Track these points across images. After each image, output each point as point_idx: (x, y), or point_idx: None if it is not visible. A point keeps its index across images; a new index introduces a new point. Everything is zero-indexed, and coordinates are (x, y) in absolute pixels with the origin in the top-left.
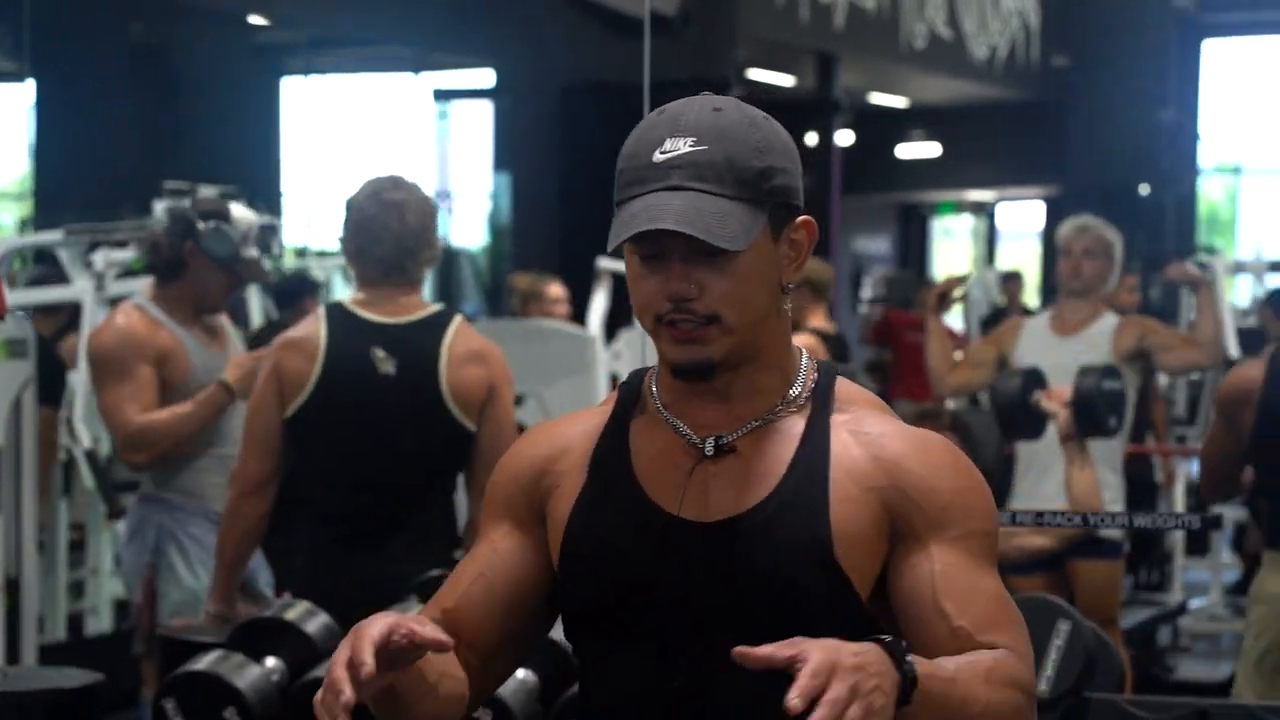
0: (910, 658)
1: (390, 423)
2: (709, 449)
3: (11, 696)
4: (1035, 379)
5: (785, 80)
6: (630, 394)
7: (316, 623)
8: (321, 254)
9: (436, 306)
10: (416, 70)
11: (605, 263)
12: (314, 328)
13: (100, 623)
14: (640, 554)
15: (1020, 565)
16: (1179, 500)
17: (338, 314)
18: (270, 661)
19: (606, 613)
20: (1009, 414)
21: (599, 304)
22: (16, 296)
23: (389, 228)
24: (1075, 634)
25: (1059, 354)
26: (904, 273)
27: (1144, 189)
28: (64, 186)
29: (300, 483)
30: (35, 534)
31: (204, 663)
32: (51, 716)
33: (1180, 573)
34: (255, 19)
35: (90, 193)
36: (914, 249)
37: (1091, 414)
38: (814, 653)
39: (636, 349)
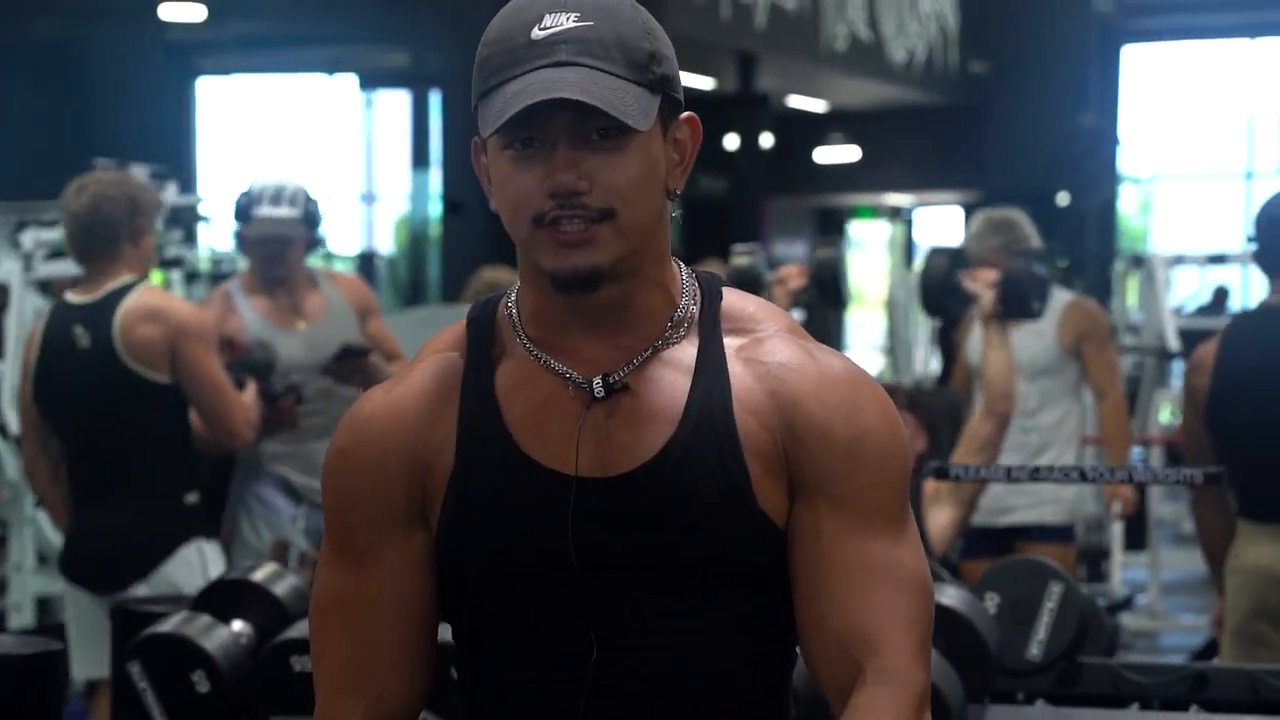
0: None
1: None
2: (598, 390)
3: None
4: (959, 259)
5: (705, 82)
6: (484, 333)
7: (285, 584)
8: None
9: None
10: (331, 71)
11: None
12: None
13: (22, 618)
14: (538, 523)
15: (966, 549)
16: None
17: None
18: (237, 624)
19: (503, 594)
20: (933, 293)
21: None
22: None
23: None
24: (1068, 597)
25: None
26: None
27: (1063, 197)
28: None
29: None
30: None
31: (170, 624)
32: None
33: (1119, 569)
34: (167, 15)
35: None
36: None
37: (1017, 295)
38: None
39: None
